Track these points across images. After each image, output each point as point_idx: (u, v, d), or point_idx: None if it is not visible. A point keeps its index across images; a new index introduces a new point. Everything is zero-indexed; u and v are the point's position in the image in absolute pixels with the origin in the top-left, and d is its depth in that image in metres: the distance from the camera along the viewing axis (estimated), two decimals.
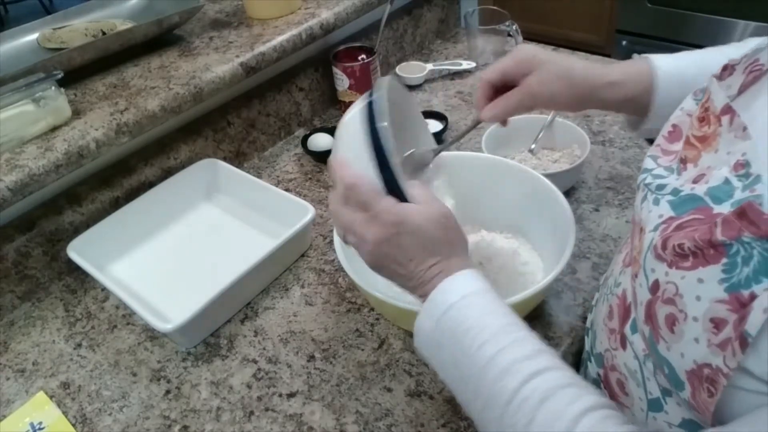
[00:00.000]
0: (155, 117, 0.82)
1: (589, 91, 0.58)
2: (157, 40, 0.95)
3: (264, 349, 0.70)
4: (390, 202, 0.48)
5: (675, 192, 0.41)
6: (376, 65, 1.04)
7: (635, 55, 0.62)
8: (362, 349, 0.68)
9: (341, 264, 0.64)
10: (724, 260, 0.34)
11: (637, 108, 0.59)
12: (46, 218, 0.80)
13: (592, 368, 0.56)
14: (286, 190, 0.91)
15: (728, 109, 0.39)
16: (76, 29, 0.95)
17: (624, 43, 2.31)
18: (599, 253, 0.76)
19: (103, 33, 0.93)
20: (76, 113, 0.80)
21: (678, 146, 0.46)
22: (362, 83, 1.03)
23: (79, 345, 0.74)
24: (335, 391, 0.64)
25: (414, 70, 1.17)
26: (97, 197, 0.84)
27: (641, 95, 0.58)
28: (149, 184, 0.88)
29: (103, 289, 0.80)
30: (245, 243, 0.83)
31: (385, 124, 0.47)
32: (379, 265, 0.50)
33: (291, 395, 0.65)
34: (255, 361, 0.69)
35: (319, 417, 0.62)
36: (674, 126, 0.47)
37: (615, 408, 0.40)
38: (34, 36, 0.95)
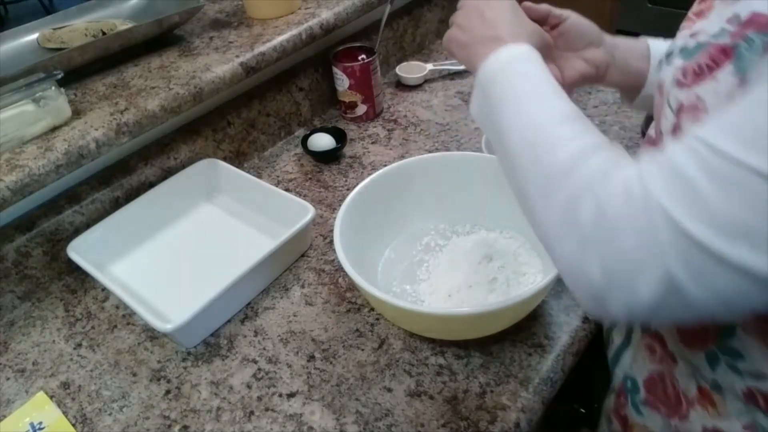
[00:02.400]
0: (155, 117, 0.82)
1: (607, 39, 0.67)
2: (157, 40, 0.95)
3: (264, 349, 0.70)
4: None
5: (683, 50, 0.48)
6: (376, 65, 1.04)
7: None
8: (362, 349, 0.68)
9: (341, 264, 0.64)
10: (734, 58, 0.42)
11: (640, 66, 0.67)
12: (46, 218, 0.80)
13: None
14: (286, 190, 0.91)
15: None
16: (76, 29, 0.94)
17: None
18: None
19: (103, 33, 0.93)
20: (76, 113, 0.80)
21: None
22: (362, 83, 1.03)
23: (79, 345, 0.74)
24: (335, 391, 0.64)
25: (414, 70, 1.17)
26: (97, 197, 0.84)
27: (639, 60, 0.67)
28: (149, 184, 0.88)
29: (103, 289, 0.80)
30: (245, 243, 0.83)
31: None
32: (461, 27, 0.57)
33: (291, 395, 0.65)
34: (255, 361, 0.69)
35: (319, 417, 0.62)
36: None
37: None
38: (34, 36, 0.95)
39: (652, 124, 0.58)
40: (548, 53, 0.61)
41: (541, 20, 0.63)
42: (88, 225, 0.81)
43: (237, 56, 0.91)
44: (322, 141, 0.98)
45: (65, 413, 0.66)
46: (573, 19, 0.65)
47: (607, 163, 0.41)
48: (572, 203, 0.40)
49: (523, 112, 0.47)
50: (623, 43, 0.68)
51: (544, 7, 0.64)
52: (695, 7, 0.53)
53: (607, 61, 0.65)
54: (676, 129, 0.48)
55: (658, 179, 0.37)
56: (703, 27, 0.49)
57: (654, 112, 0.56)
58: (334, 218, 0.72)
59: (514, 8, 0.56)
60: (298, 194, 0.91)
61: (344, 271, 0.63)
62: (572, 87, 0.65)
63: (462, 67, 1.18)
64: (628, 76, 0.67)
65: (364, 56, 1.03)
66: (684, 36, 0.51)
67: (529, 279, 0.70)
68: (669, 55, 0.51)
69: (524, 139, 0.46)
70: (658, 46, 0.67)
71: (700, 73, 0.45)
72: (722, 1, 0.48)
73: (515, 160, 0.46)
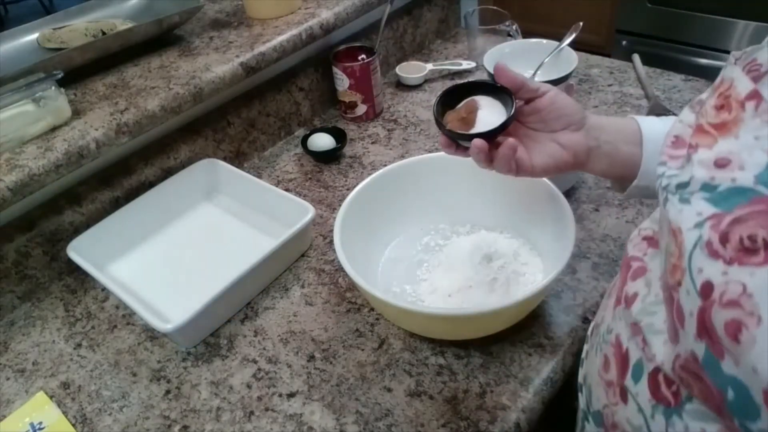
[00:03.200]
0: (155, 117, 0.82)
1: (586, 120, 0.58)
2: (157, 40, 0.95)
3: (264, 349, 0.70)
4: None
5: (708, 188, 0.36)
6: (376, 65, 1.04)
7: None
8: (362, 349, 0.68)
9: (341, 264, 0.64)
10: None
11: (632, 151, 0.58)
12: (46, 218, 0.80)
13: (591, 428, 0.53)
14: (286, 190, 0.91)
15: (755, 94, 0.36)
16: (76, 29, 0.94)
17: (624, 43, 2.31)
18: (599, 253, 0.76)
19: (103, 33, 0.93)
20: (76, 113, 0.80)
21: (684, 151, 0.43)
22: (362, 83, 1.03)
23: (79, 345, 0.74)
24: (335, 391, 0.64)
25: (414, 70, 1.17)
26: (97, 197, 0.84)
27: (630, 142, 0.57)
28: (149, 184, 0.88)
29: (103, 289, 0.80)
30: (245, 243, 0.83)
31: None
32: None
33: (291, 395, 0.65)
34: (255, 361, 0.69)
35: (319, 417, 0.62)
36: (676, 137, 0.46)
37: None
38: (34, 36, 0.95)
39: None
40: (514, 132, 0.57)
41: (515, 90, 0.57)
42: (88, 225, 0.81)
43: (237, 56, 0.91)
44: (322, 141, 0.98)
45: (65, 413, 0.66)
46: (550, 95, 0.57)
47: None
48: None
49: None
50: (610, 124, 0.58)
51: (520, 77, 0.57)
52: (711, 114, 0.40)
53: (587, 146, 0.57)
54: (704, 322, 0.35)
55: None
56: (732, 151, 0.36)
57: (660, 246, 0.43)
58: (334, 218, 0.72)
59: None
60: (298, 194, 0.91)
61: (344, 271, 0.63)
62: (544, 175, 0.59)
63: (462, 68, 1.18)
64: (615, 165, 0.58)
65: (364, 56, 1.03)
66: (703, 161, 0.38)
67: (529, 279, 0.70)
68: (684, 186, 0.39)
69: None
70: (650, 126, 0.58)
71: (750, 250, 0.32)
72: (756, 113, 0.36)
73: None
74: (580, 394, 0.57)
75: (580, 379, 0.59)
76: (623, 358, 0.46)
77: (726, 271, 0.33)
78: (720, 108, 0.39)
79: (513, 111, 0.56)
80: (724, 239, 0.34)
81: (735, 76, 0.39)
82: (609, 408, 0.48)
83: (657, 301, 0.44)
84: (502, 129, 0.56)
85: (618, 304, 0.49)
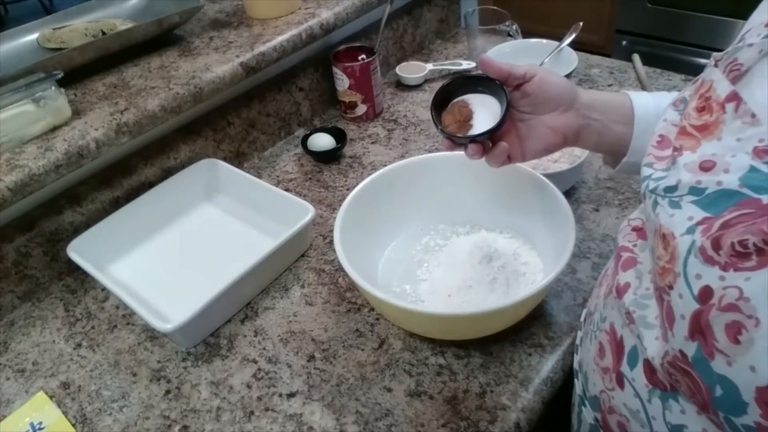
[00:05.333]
0: (155, 117, 0.82)
1: (578, 98, 0.59)
2: (157, 40, 0.95)
3: (264, 349, 0.70)
4: None
5: (695, 191, 0.37)
6: (376, 65, 1.04)
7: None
8: (362, 349, 0.68)
9: (341, 264, 0.64)
10: None
11: (622, 130, 0.58)
12: (46, 218, 0.80)
13: (588, 413, 0.54)
14: (286, 190, 0.91)
15: (734, 96, 0.37)
16: (76, 29, 0.94)
17: (624, 43, 2.31)
18: (599, 253, 0.76)
19: (103, 33, 0.93)
20: (76, 113, 0.80)
21: (669, 151, 0.44)
22: (362, 83, 1.03)
23: (79, 345, 0.74)
24: (335, 391, 0.64)
25: (414, 70, 1.17)
26: (97, 197, 0.84)
27: (622, 116, 0.58)
28: (149, 184, 0.88)
29: (103, 289, 0.80)
30: (245, 243, 0.83)
31: None
32: None
33: (291, 395, 0.65)
34: (255, 361, 0.69)
35: (319, 417, 0.62)
36: (661, 136, 0.46)
37: None
38: (34, 36, 0.95)
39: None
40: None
41: (503, 79, 0.58)
42: (88, 225, 0.81)
43: (237, 56, 0.91)
44: (322, 141, 0.98)
45: (65, 413, 0.66)
46: (539, 77, 0.57)
47: None
48: None
49: None
50: (602, 102, 0.59)
51: (505, 65, 0.57)
52: (693, 115, 0.41)
53: (578, 126, 0.58)
54: (699, 324, 0.36)
55: None
56: (715, 153, 0.37)
57: (648, 242, 0.44)
58: (334, 218, 0.72)
59: None
60: (298, 194, 0.91)
61: (344, 271, 0.63)
62: (534, 158, 0.60)
63: (462, 68, 1.18)
64: (604, 142, 0.59)
65: (364, 56, 1.03)
66: (688, 164, 0.39)
67: (529, 279, 0.70)
68: (672, 189, 0.39)
69: None
70: (642, 103, 0.58)
71: (742, 254, 0.33)
72: (736, 115, 0.37)
73: None
74: (576, 380, 0.58)
75: (575, 365, 0.59)
76: (618, 346, 0.47)
77: (723, 276, 0.34)
78: (701, 110, 0.40)
79: (505, 109, 0.57)
80: (716, 245, 0.34)
81: (715, 78, 0.40)
82: (605, 393, 0.49)
83: (648, 294, 0.45)
84: (498, 128, 0.57)
85: (609, 293, 0.50)
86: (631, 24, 2.26)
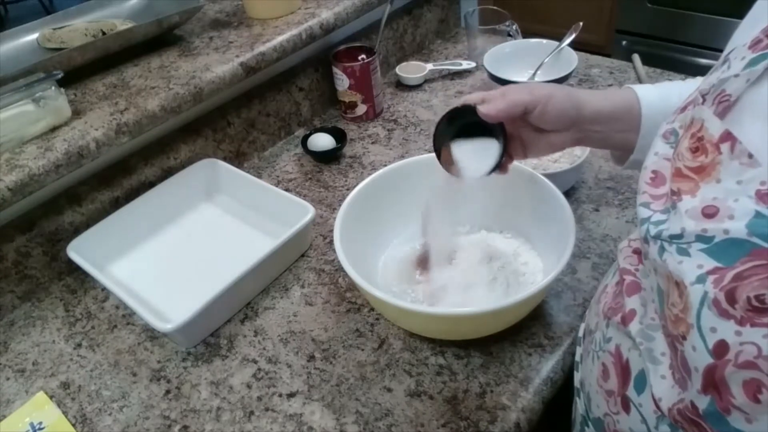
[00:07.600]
0: (155, 117, 0.82)
1: (582, 108, 0.59)
2: (157, 40, 0.95)
3: (264, 349, 0.70)
4: None
5: (703, 239, 0.36)
6: (376, 65, 1.04)
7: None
8: (362, 349, 0.68)
9: (341, 264, 0.64)
10: None
11: (625, 137, 0.59)
12: (46, 218, 0.80)
13: None
14: (286, 190, 0.91)
15: (728, 136, 0.37)
16: (76, 29, 0.94)
17: (624, 43, 2.31)
18: (599, 253, 0.76)
19: (103, 33, 0.93)
20: (76, 113, 0.80)
21: (665, 189, 0.44)
22: (362, 83, 1.03)
23: (79, 345, 0.74)
24: (335, 391, 0.64)
25: (414, 70, 1.17)
26: (97, 197, 0.84)
27: (627, 118, 0.58)
28: (149, 184, 0.88)
29: (103, 289, 0.80)
30: (245, 243, 0.83)
31: None
32: None
33: (291, 395, 0.65)
34: (255, 361, 0.69)
35: (319, 417, 0.62)
36: (654, 172, 0.45)
37: None
38: (34, 36, 0.95)
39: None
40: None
41: (503, 122, 0.60)
42: (88, 225, 0.81)
43: (237, 56, 0.91)
44: (322, 141, 0.98)
45: (65, 413, 0.66)
46: (539, 110, 0.58)
47: None
48: None
49: None
50: (607, 114, 0.58)
51: (503, 113, 0.58)
52: (687, 156, 0.40)
53: (577, 139, 0.60)
54: (713, 379, 0.35)
55: None
56: (717, 197, 0.36)
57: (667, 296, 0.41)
58: (334, 218, 0.72)
59: None
60: (298, 194, 0.91)
61: (344, 271, 0.63)
62: (535, 158, 0.63)
63: (462, 67, 1.18)
64: (606, 146, 0.62)
65: (364, 56, 1.03)
66: (690, 211, 0.38)
67: (529, 279, 0.70)
68: (678, 237, 0.38)
69: None
70: (650, 102, 0.57)
71: (759, 309, 0.32)
72: (733, 155, 0.36)
73: None
74: (578, 399, 0.57)
75: (576, 383, 0.58)
76: (624, 369, 0.46)
77: (740, 331, 0.33)
78: (695, 151, 0.39)
79: (501, 155, 0.62)
80: (731, 299, 0.33)
81: (705, 117, 0.39)
82: (610, 417, 0.48)
83: (654, 324, 0.44)
84: (494, 170, 0.62)
85: (613, 315, 0.49)
86: (631, 24, 2.26)
